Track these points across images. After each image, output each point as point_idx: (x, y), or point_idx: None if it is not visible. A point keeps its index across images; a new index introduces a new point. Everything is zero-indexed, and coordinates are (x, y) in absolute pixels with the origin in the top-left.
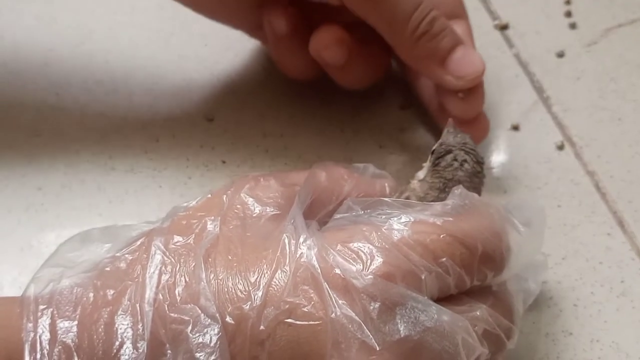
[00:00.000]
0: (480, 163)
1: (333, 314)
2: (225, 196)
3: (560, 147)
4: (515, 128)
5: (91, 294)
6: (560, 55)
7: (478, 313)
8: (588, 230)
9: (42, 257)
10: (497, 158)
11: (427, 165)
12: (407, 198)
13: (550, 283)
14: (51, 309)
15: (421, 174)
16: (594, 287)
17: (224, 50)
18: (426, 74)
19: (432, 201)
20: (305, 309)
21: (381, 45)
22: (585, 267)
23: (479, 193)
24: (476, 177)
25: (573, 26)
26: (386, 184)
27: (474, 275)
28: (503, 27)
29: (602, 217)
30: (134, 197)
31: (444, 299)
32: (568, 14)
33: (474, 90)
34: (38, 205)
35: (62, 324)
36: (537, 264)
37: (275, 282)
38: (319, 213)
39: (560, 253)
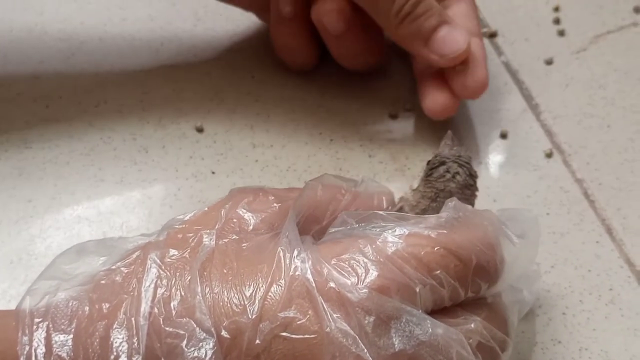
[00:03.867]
0: (473, 176)
1: (328, 328)
2: (222, 210)
3: (549, 155)
4: (504, 136)
5: (87, 308)
6: (549, 62)
7: (472, 325)
8: (577, 238)
9: (32, 270)
10: (485, 166)
11: (421, 175)
12: (401, 208)
13: (539, 291)
14: (47, 322)
15: (415, 184)
16: (582, 295)
17: (214, 60)
18: (413, 53)
19: (423, 209)
20: (300, 323)
21: (377, 31)
22: (574, 275)
23: (472, 205)
24: (468, 189)
25: (562, 33)
26: (384, 199)
27: (468, 287)
28: (492, 35)
29: (591, 224)
30: (124, 209)
31: (438, 311)
32: (557, 21)
33: (468, 62)
34: (28, 218)
35: (58, 338)
36: (531, 274)
37: (270, 295)
38: (312, 228)
39: (549, 261)
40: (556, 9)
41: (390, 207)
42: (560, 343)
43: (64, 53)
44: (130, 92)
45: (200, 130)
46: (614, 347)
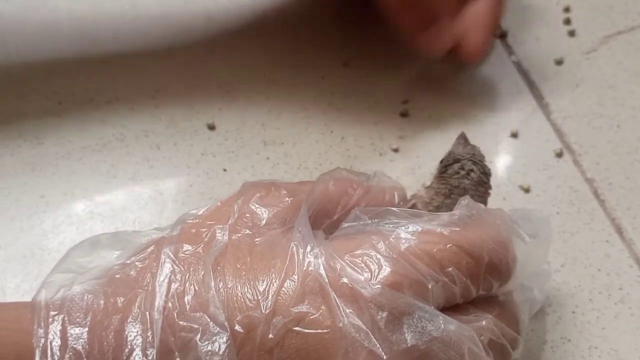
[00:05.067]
0: (486, 174)
1: (340, 323)
2: (235, 205)
3: (559, 154)
4: (515, 135)
5: (102, 301)
6: (560, 62)
7: (484, 323)
8: (587, 237)
9: (45, 265)
10: (495, 165)
11: (434, 173)
12: (414, 204)
13: (549, 290)
14: (62, 315)
15: (427, 183)
16: (592, 294)
17: (226, 58)
18: None
19: (437, 206)
20: (313, 317)
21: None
22: (584, 274)
23: (485, 202)
24: (482, 186)
25: (572, 34)
26: (395, 194)
27: (480, 285)
28: (502, 35)
29: (601, 224)
30: (136, 205)
31: (450, 308)
32: (567, 22)
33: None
34: (41, 213)
35: (73, 331)
36: (541, 273)
37: (283, 291)
38: (324, 223)
39: (559, 260)
40: (567, 10)
41: (402, 203)
42: (570, 341)
43: (77, 50)
44: (143, 90)
45: (211, 127)
46: (624, 346)
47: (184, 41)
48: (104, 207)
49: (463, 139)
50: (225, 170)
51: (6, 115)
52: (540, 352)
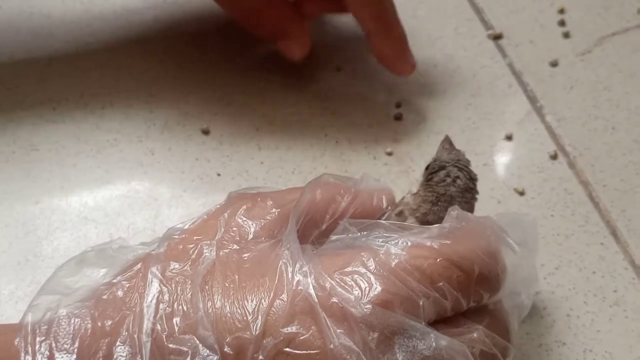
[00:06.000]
0: (473, 180)
1: (331, 344)
2: (222, 219)
3: (554, 157)
4: (509, 138)
5: (89, 325)
6: (554, 64)
7: (475, 335)
8: (581, 239)
9: (39, 271)
10: (490, 167)
11: (420, 180)
12: (401, 212)
13: (543, 293)
14: (49, 342)
15: (414, 189)
16: (587, 297)
17: (220, 63)
18: None
19: (424, 213)
20: (303, 338)
21: None
22: (579, 276)
23: (472, 208)
24: (469, 192)
25: (567, 35)
26: (384, 198)
27: (470, 297)
28: (497, 37)
29: (596, 226)
30: (130, 210)
31: (440, 321)
32: (562, 23)
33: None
34: (35, 219)
35: (61, 358)
36: (528, 277)
37: (273, 311)
38: (312, 233)
39: (554, 263)
40: (561, 11)
41: (390, 207)
42: (564, 344)
43: (71, 56)
44: (137, 95)
45: (206, 132)
46: (618, 348)
47: (177, 46)
48: (98, 212)
49: (448, 143)
50: (219, 175)
51: (1, 121)
52: (535, 355)
